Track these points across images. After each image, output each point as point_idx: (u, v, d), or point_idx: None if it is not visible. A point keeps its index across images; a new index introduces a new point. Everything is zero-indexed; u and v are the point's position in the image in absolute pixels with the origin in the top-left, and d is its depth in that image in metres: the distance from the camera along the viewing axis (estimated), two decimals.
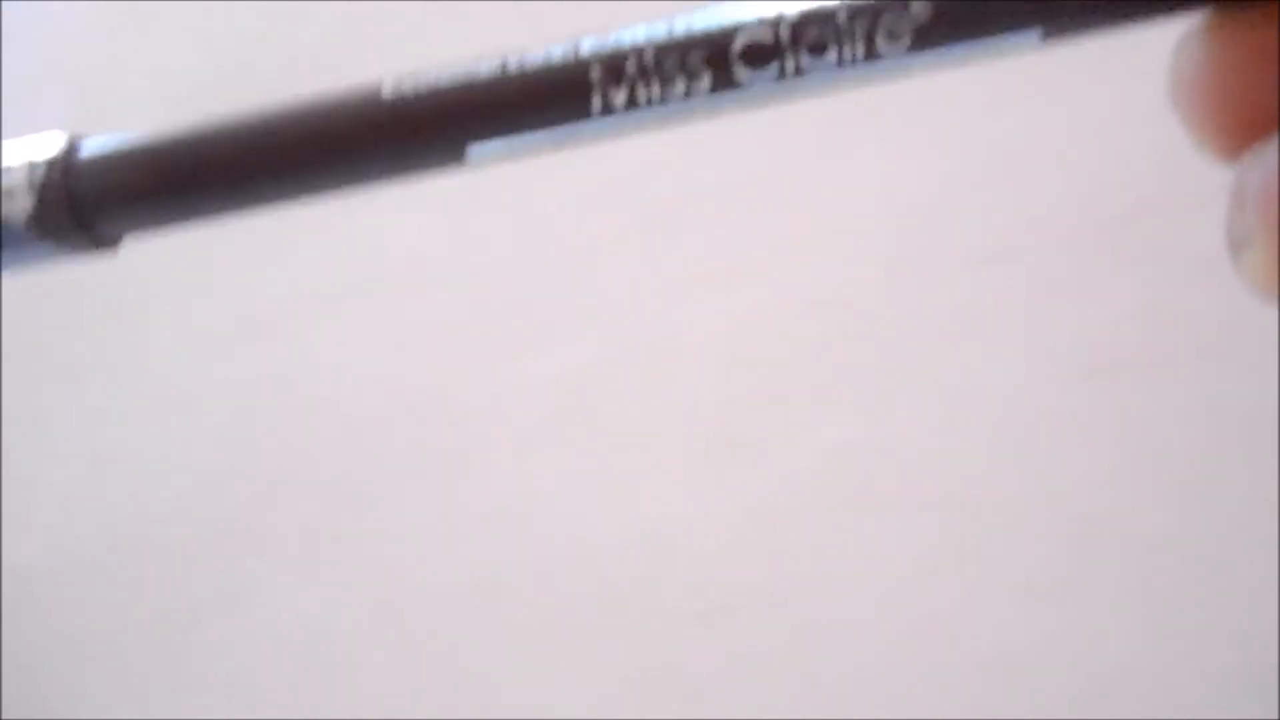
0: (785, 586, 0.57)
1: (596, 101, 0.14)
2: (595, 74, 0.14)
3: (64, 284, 0.72)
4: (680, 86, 0.14)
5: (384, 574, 0.64)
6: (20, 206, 0.14)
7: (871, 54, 0.14)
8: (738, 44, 0.14)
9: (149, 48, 0.74)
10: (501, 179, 0.62)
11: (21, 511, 0.72)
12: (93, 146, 0.15)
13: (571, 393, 0.62)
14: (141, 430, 0.70)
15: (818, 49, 0.14)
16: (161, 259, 0.70)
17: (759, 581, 0.58)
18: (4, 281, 0.14)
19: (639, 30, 0.14)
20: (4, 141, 0.14)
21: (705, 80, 0.14)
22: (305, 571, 0.65)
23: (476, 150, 0.14)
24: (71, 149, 0.14)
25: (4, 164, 0.14)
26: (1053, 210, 0.56)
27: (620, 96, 0.14)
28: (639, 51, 0.14)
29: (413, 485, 0.64)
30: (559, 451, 0.61)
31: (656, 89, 0.14)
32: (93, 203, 0.14)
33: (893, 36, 0.14)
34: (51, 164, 0.14)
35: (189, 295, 0.70)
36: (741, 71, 0.14)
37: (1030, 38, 0.14)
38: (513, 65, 0.14)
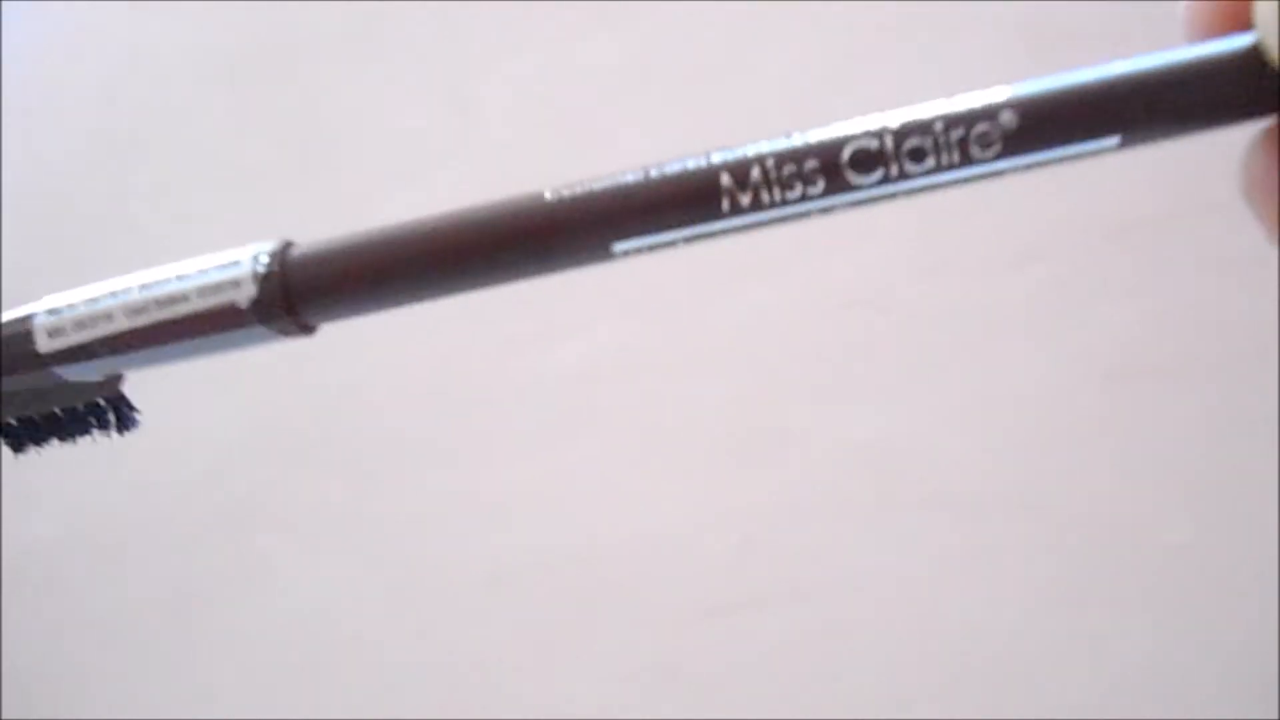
0: (804, 583, 0.58)
1: (726, 204, 0.16)
2: (725, 180, 0.16)
3: (79, 264, 0.72)
4: (798, 190, 0.16)
5: (396, 558, 0.64)
6: (245, 295, 0.17)
7: (966, 160, 0.16)
8: (846, 153, 0.16)
9: (175, 24, 0.73)
10: (524, 167, 0.62)
11: (37, 491, 0.72)
12: (300, 250, 0.17)
13: (592, 385, 0.62)
14: (156, 412, 0.70)
15: (917, 156, 0.16)
16: (178, 241, 0.71)
17: (777, 577, 0.58)
18: (217, 357, 0.16)
19: (763, 143, 0.16)
20: (230, 248, 0.17)
21: (820, 184, 0.16)
22: (318, 553, 0.66)
23: (620, 247, 0.16)
24: (285, 251, 0.17)
25: (234, 261, 0.17)
26: (1076, 216, 0.56)
27: (746, 199, 0.16)
28: (762, 160, 0.16)
29: (428, 471, 0.64)
30: (578, 443, 0.62)
31: (778, 192, 0.16)
32: (301, 295, 0.17)
33: (984, 144, 0.16)
34: (270, 262, 0.17)
35: None
36: (852, 176, 0.16)
37: (1109, 143, 0.16)
38: (654, 174, 0.16)
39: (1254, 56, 0.15)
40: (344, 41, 0.70)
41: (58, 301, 0.18)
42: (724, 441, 0.60)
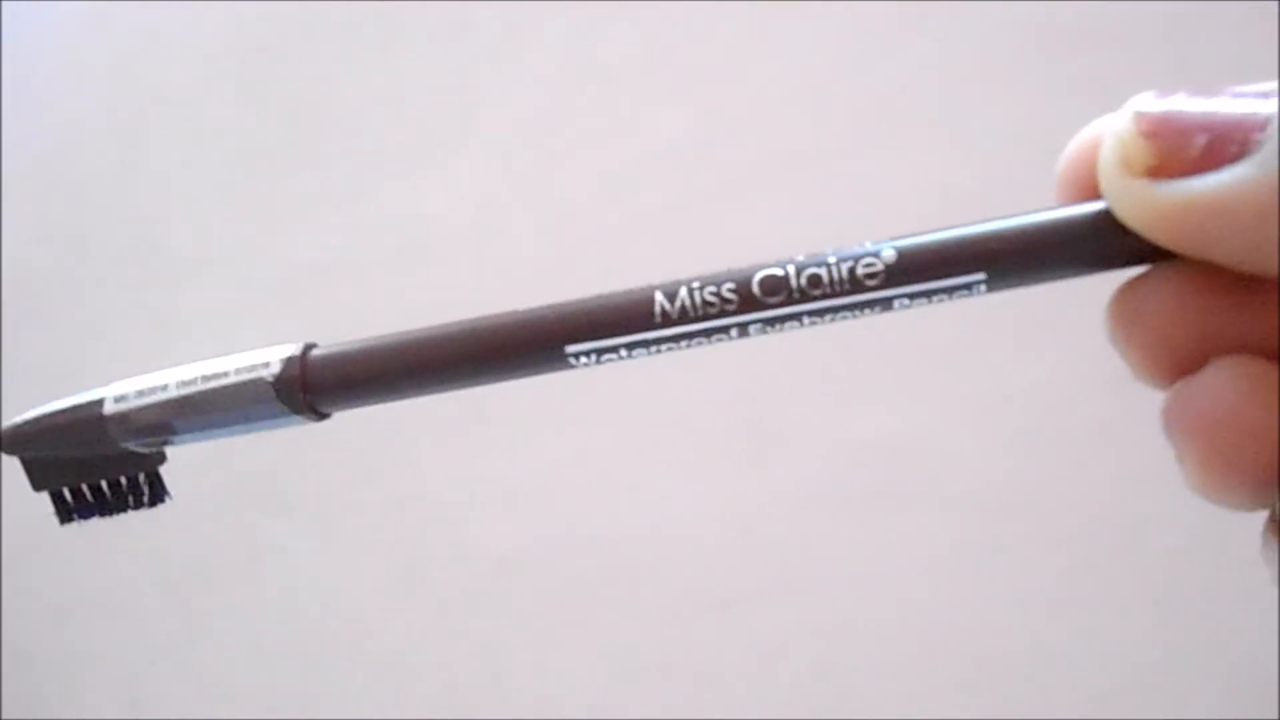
0: (805, 579, 0.58)
1: (659, 315, 0.20)
2: (660, 300, 0.20)
3: (100, 246, 0.73)
4: (717, 306, 0.20)
5: (402, 543, 0.64)
6: (271, 373, 0.21)
7: (856, 287, 0.19)
8: (757, 278, 0.19)
9: (183, 12, 0.74)
10: (538, 161, 0.63)
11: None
12: (318, 352, 0.21)
13: (597, 378, 0.62)
14: None
15: (814, 282, 0.19)
16: (196, 223, 0.71)
17: (779, 573, 0.58)
18: (244, 436, 0.22)
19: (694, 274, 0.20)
20: (260, 348, 0.22)
21: (734, 301, 0.20)
22: (323, 537, 0.66)
23: (572, 350, 0.20)
24: (306, 352, 0.21)
25: (264, 359, 0.21)
26: None
27: (675, 312, 0.20)
28: (689, 283, 0.20)
29: (435, 457, 0.64)
30: (582, 435, 0.62)
31: (701, 308, 0.20)
32: (316, 389, 0.21)
33: (870, 274, 0.19)
34: (291, 360, 0.21)
35: (222, 259, 0.71)
36: (761, 296, 0.19)
37: (978, 278, 0.19)
38: (593, 298, 0.20)
39: (1105, 219, 0.18)
40: (352, 30, 0.71)
41: (124, 385, 0.22)
42: (728, 436, 0.60)
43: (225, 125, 0.73)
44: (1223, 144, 0.17)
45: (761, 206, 0.61)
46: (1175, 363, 0.18)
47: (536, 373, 0.20)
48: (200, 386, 0.21)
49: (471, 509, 0.64)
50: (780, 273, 0.19)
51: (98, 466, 0.23)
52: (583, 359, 0.20)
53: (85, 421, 0.22)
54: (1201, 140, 0.17)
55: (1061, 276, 0.19)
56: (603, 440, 0.62)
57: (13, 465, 0.68)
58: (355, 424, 0.65)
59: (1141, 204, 0.18)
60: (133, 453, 0.22)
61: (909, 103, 0.60)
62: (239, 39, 0.74)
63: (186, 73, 0.75)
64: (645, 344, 0.20)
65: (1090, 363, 0.57)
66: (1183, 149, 0.17)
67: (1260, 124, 0.16)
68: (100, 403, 0.22)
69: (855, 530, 0.58)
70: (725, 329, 0.20)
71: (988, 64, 0.59)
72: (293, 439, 0.68)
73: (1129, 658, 0.54)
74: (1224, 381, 0.18)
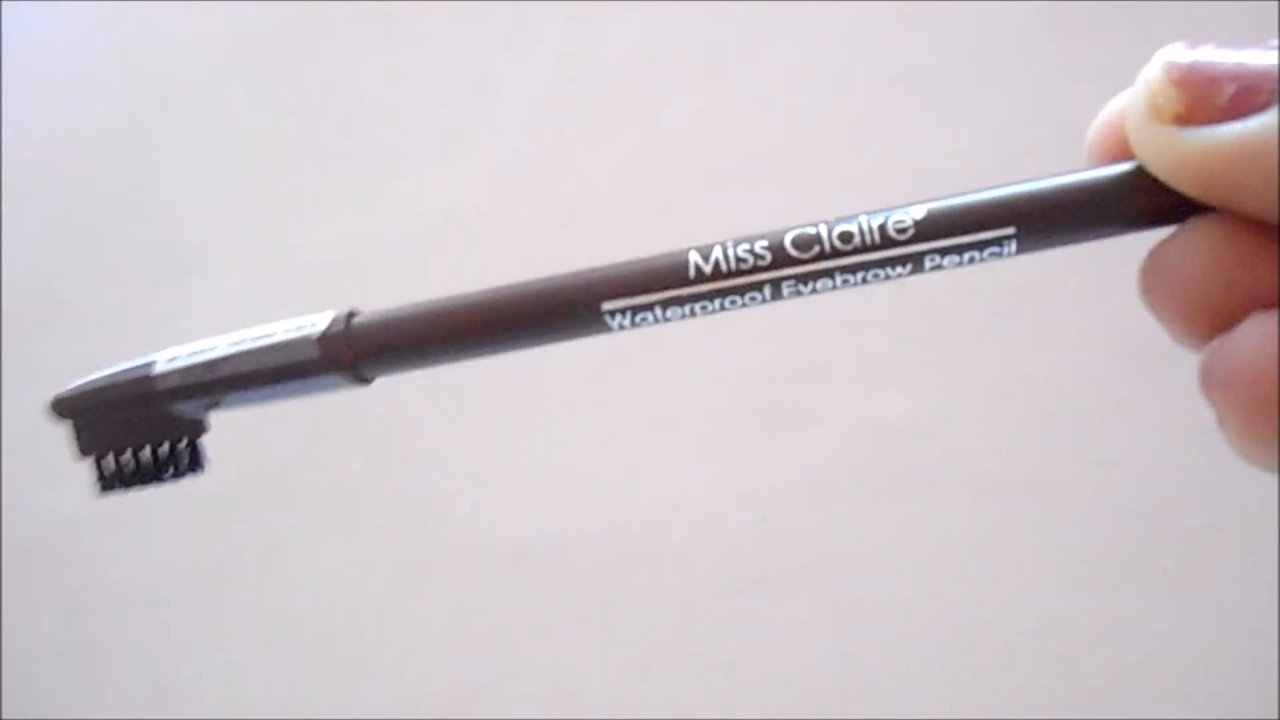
0: (825, 561, 0.58)
1: (694, 271, 0.20)
2: (694, 257, 0.20)
3: (111, 243, 0.73)
4: (750, 262, 0.20)
5: (420, 534, 0.64)
6: (318, 331, 0.22)
7: (886, 241, 0.19)
8: (790, 235, 0.20)
9: (193, 4, 0.74)
10: (551, 151, 0.62)
11: (64, 463, 0.73)
12: (362, 318, 0.22)
13: (613, 362, 0.62)
14: None
15: (845, 238, 0.20)
16: (207, 219, 0.71)
17: (798, 555, 0.58)
18: (292, 399, 0.22)
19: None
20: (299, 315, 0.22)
21: (767, 258, 0.20)
22: (341, 529, 0.66)
23: (608, 306, 0.21)
24: (351, 316, 0.22)
25: (311, 320, 0.22)
26: None
27: (708, 269, 0.20)
28: (723, 243, 0.20)
29: (452, 447, 0.64)
30: (600, 419, 0.62)
31: (735, 264, 0.20)
32: (361, 348, 0.21)
33: (900, 229, 0.19)
34: (337, 320, 0.22)
35: (237, 250, 0.71)
36: (793, 252, 0.20)
37: (1007, 232, 0.19)
38: (630, 260, 0.21)
39: (1135, 176, 0.19)
40: (361, 22, 0.71)
41: (174, 350, 0.23)
42: (746, 421, 0.60)
43: (235, 121, 0.73)
44: (1250, 93, 0.17)
45: (775, 192, 0.60)
46: (1210, 321, 0.18)
47: (574, 334, 0.21)
48: (248, 345, 0.22)
49: (489, 499, 0.64)
50: (813, 230, 0.20)
51: (142, 431, 0.23)
52: (619, 318, 0.21)
53: (136, 381, 0.23)
54: (1230, 89, 0.17)
55: (1092, 235, 0.19)
56: (620, 427, 0.62)
57: (45, 459, 0.68)
58: (370, 418, 0.66)
59: (1168, 150, 0.18)
60: (178, 418, 0.23)
61: (921, 86, 0.60)
62: (248, 34, 0.74)
63: (196, 68, 0.75)
64: (680, 300, 0.20)
65: (1108, 345, 0.57)
66: (1211, 97, 0.17)
67: None
68: (151, 364, 0.23)
69: (875, 513, 0.58)
70: (759, 285, 0.20)
71: (1001, 47, 0.58)
72: (308, 434, 0.68)
73: (1147, 639, 0.54)
74: (1260, 336, 0.17)
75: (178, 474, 0.24)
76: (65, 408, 0.23)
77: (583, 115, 0.66)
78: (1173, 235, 0.19)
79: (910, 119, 0.60)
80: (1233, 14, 0.49)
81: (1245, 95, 0.17)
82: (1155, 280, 0.19)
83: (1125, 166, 0.19)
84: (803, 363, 0.59)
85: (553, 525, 0.62)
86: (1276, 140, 0.16)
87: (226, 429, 0.23)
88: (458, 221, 0.67)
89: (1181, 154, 0.17)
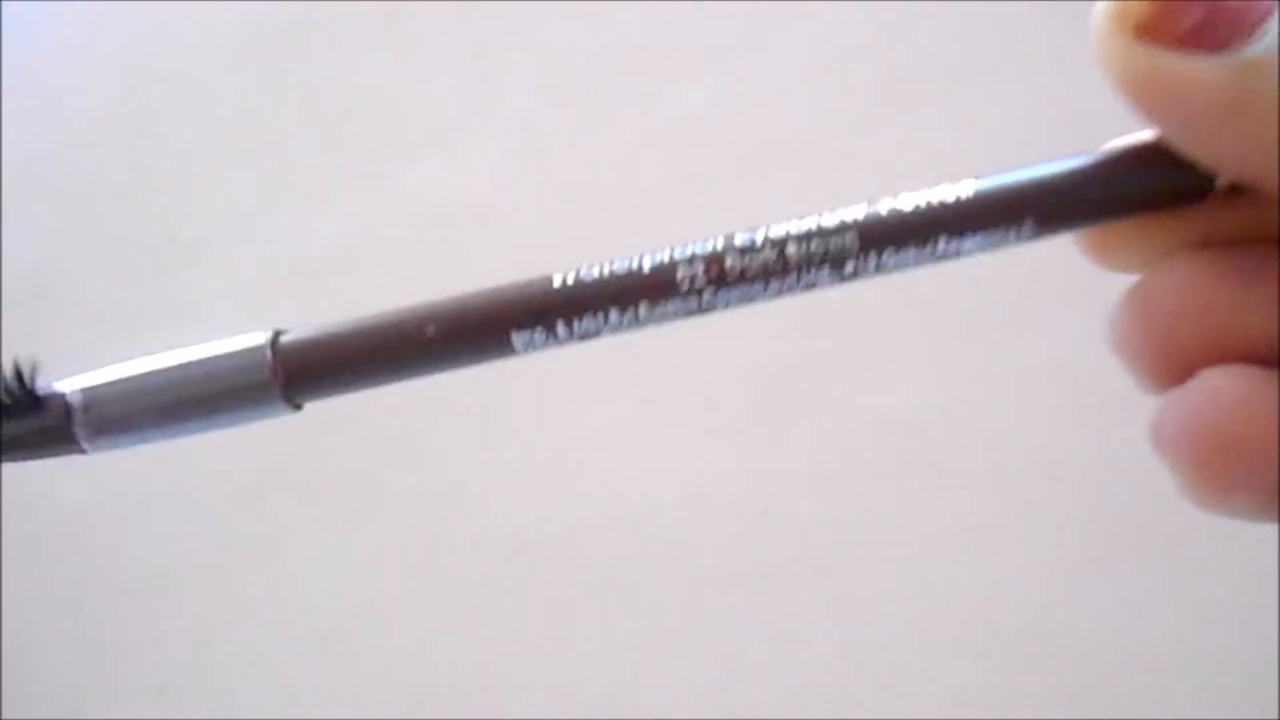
0: (828, 553, 0.58)
1: (684, 284, 0.19)
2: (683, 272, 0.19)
3: (115, 232, 0.73)
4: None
5: (425, 526, 0.65)
6: (245, 378, 0.20)
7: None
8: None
9: (195, 2, 0.74)
10: (555, 140, 0.62)
11: (72, 457, 0.73)
12: (289, 338, 0.20)
13: (616, 355, 0.62)
14: None
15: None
16: (211, 208, 0.71)
17: (802, 548, 0.58)
18: (218, 432, 0.20)
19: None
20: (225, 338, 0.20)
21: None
22: (348, 520, 0.66)
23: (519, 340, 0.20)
24: (275, 339, 0.20)
25: (233, 349, 0.20)
26: None
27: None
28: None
29: (455, 439, 0.64)
30: (602, 412, 0.62)
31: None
32: (291, 376, 0.20)
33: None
34: (262, 349, 0.20)
35: (240, 241, 0.71)
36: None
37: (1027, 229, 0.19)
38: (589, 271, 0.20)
39: (1156, 148, 0.18)
40: (366, 12, 0.70)
41: (88, 388, 0.20)
42: (747, 413, 0.60)
43: (240, 112, 0.73)
44: (1211, 29, 0.16)
45: (779, 181, 0.60)
46: (1174, 369, 0.18)
47: (481, 363, 0.20)
48: (173, 373, 0.20)
49: (492, 491, 0.64)
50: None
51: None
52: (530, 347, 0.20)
53: (47, 436, 0.20)
54: (1195, 15, 0.16)
55: (1110, 215, 0.19)
56: (621, 419, 0.62)
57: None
58: (377, 408, 0.66)
59: (1119, 59, 0.17)
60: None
61: (928, 74, 0.60)
62: (252, 25, 0.74)
63: (200, 60, 0.75)
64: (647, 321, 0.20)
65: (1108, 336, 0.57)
66: (1174, 19, 0.16)
67: (1255, 23, 0.16)
68: (69, 430, 0.20)
69: (876, 504, 0.58)
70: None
71: (1008, 35, 0.58)
72: (315, 425, 0.68)
73: (1149, 628, 0.54)
74: (1209, 392, 0.17)
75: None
76: None
77: (586, 105, 0.66)
78: (1149, 274, 0.19)
79: (917, 107, 0.59)
80: None
81: (1206, 29, 0.16)
82: (1124, 317, 0.19)
83: (1140, 140, 0.18)
84: (803, 355, 0.59)
85: (555, 517, 0.62)
86: (1213, 89, 0.16)
87: None
88: (461, 211, 0.67)
89: (1129, 67, 0.17)
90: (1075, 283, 0.57)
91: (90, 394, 0.20)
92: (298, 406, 0.20)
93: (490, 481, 0.64)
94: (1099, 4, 0.18)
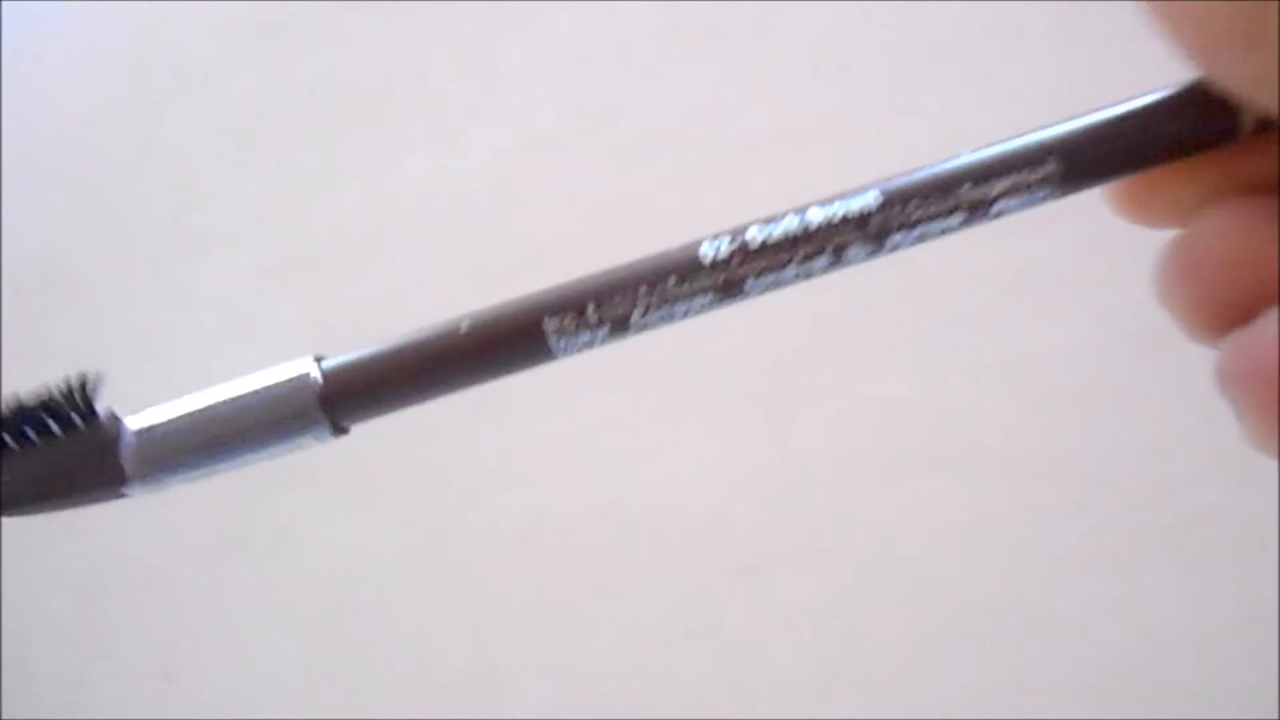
0: (830, 542, 0.58)
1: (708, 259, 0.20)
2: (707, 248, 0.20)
3: (121, 221, 0.73)
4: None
5: (430, 514, 0.65)
6: (290, 403, 0.20)
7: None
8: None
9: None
10: (561, 128, 0.62)
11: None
12: (331, 362, 0.20)
13: (621, 343, 0.62)
14: (196, 362, 0.71)
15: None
16: (217, 197, 0.72)
17: (804, 536, 0.58)
18: (267, 460, 0.21)
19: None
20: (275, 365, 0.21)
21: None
22: (351, 508, 0.66)
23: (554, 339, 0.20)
24: (319, 363, 0.20)
25: (279, 377, 0.20)
26: None
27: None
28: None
29: (460, 428, 0.64)
30: (605, 400, 0.62)
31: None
32: (335, 401, 0.20)
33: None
34: (308, 375, 0.20)
35: (245, 230, 0.71)
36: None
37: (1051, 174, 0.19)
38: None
39: (1178, 94, 0.18)
40: (371, 1, 0.70)
41: (145, 427, 0.21)
42: (750, 401, 0.60)
43: (245, 100, 0.73)
44: None
45: (785, 169, 0.60)
46: (1226, 314, 0.18)
47: (518, 371, 0.21)
48: (218, 410, 0.20)
49: (497, 479, 0.64)
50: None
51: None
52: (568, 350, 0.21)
53: (97, 481, 0.21)
54: None
55: (1149, 160, 0.19)
56: (626, 407, 0.62)
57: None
58: None
59: None
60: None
61: (940, 57, 0.59)
62: (258, 13, 0.74)
63: (205, 47, 0.75)
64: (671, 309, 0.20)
65: (1113, 325, 0.57)
66: None
67: None
68: (119, 474, 0.21)
69: (879, 494, 0.58)
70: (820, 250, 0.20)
71: (1019, 17, 0.58)
72: None
73: (1152, 618, 0.54)
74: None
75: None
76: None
77: (591, 94, 0.66)
78: (1193, 224, 0.19)
79: (920, 94, 0.59)
80: None
81: None
82: (1172, 269, 0.19)
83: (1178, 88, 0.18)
84: (807, 343, 0.59)
85: (558, 506, 0.63)
86: (1240, 15, 0.16)
87: None
88: (466, 201, 0.67)
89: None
90: (1079, 272, 0.57)
91: (144, 432, 0.20)
92: (343, 430, 0.21)
93: (494, 468, 0.64)
94: None
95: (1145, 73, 0.19)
